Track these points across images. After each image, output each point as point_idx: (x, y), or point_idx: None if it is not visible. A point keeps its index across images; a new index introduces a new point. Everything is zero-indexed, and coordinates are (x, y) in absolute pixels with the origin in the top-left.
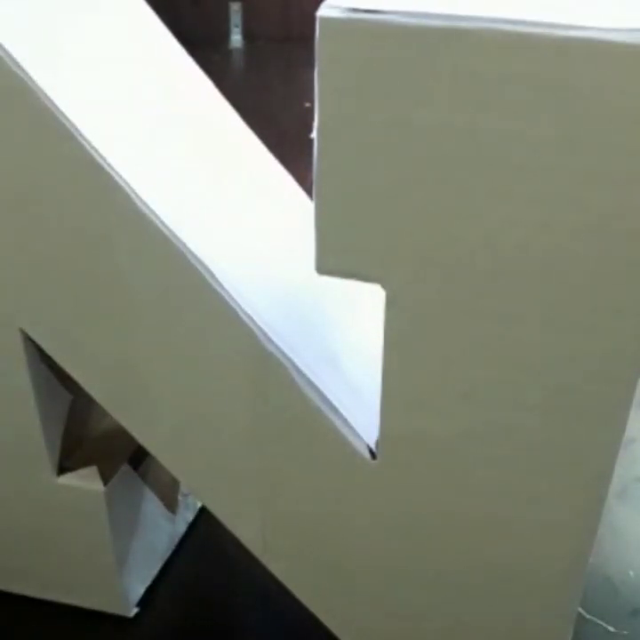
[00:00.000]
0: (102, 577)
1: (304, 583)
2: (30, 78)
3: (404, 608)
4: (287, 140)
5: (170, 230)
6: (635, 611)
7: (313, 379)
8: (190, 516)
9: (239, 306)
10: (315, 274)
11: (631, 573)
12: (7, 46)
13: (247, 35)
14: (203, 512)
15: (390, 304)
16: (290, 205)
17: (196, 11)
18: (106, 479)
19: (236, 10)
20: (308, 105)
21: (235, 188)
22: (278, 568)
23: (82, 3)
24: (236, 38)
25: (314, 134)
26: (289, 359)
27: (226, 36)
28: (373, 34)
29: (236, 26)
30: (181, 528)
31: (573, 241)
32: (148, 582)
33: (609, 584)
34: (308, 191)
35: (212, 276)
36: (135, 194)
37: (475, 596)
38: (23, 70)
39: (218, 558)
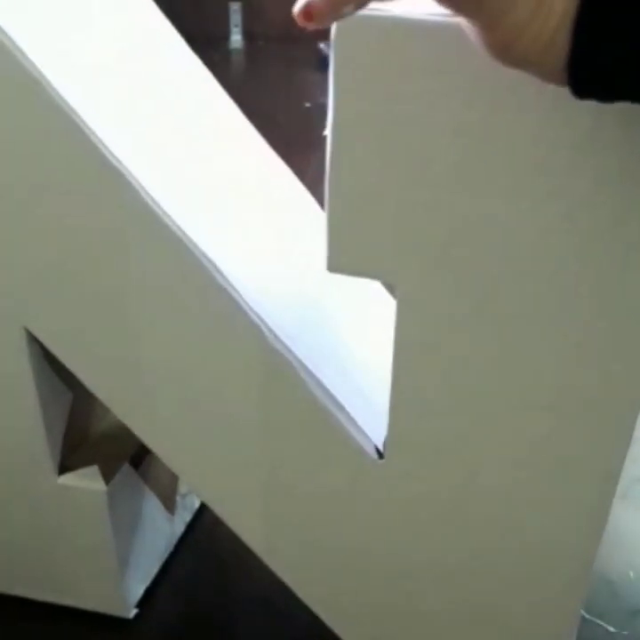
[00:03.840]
0: (103, 578)
1: (307, 581)
2: (42, 75)
3: (407, 607)
4: (287, 139)
5: (179, 228)
6: (635, 611)
7: (320, 377)
8: (188, 517)
9: (247, 304)
10: (323, 273)
11: (631, 574)
12: (20, 44)
13: (247, 35)
14: (200, 513)
15: (402, 303)
16: (295, 205)
17: (196, 11)
18: (107, 479)
19: (235, 10)
20: (308, 105)
21: (242, 186)
22: (281, 566)
23: (91, 3)
24: (236, 38)
25: (327, 131)
26: (296, 358)
27: (226, 36)
28: (390, 32)
29: (236, 26)
30: (179, 529)
31: (587, 241)
32: (147, 583)
33: (609, 585)
34: (315, 190)
35: (221, 274)
36: (145, 192)
37: (479, 596)
38: (35, 67)
39: (216, 559)
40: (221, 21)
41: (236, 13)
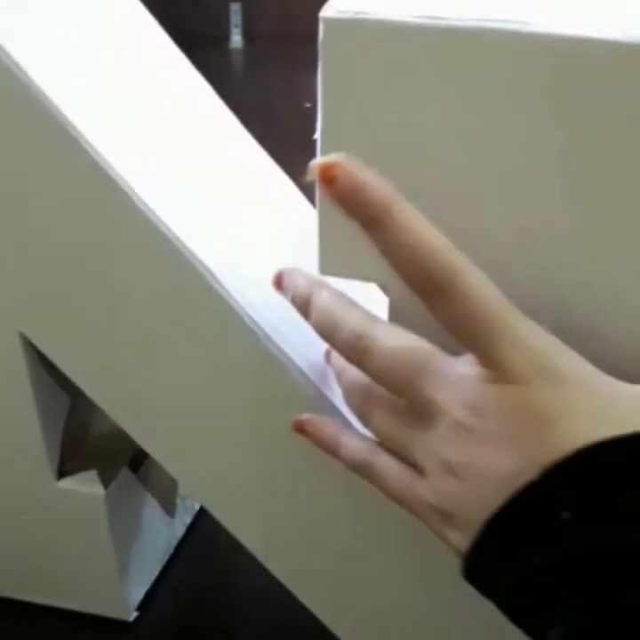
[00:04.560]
0: (102, 581)
1: (306, 584)
2: (31, 80)
3: (407, 608)
4: (287, 140)
5: (171, 231)
6: None
7: (315, 380)
8: (188, 519)
9: (241, 307)
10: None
11: None
12: (8, 49)
13: (247, 35)
14: (200, 515)
15: (393, 305)
16: (289, 207)
17: (196, 11)
18: (106, 483)
19: (235, 10)
20: (308, 105)
21: (234, 188)
22: (280, 569)
23: (80, 7)
24: (236, 38)
25: (317, 135)
26: (291, 360)
27: (226, 36)
28: (377, 34)
29: (236, 26)
30: (179, 531)
31: (576, 242)
32: (147, 586)
33: None
34: (309, 192)
35: (214, 277)
36: (137, 196)
37: (478, 595)
38: (24, 73)
39: (216, 561)
40: (221, 21)
41: (236, 13)
